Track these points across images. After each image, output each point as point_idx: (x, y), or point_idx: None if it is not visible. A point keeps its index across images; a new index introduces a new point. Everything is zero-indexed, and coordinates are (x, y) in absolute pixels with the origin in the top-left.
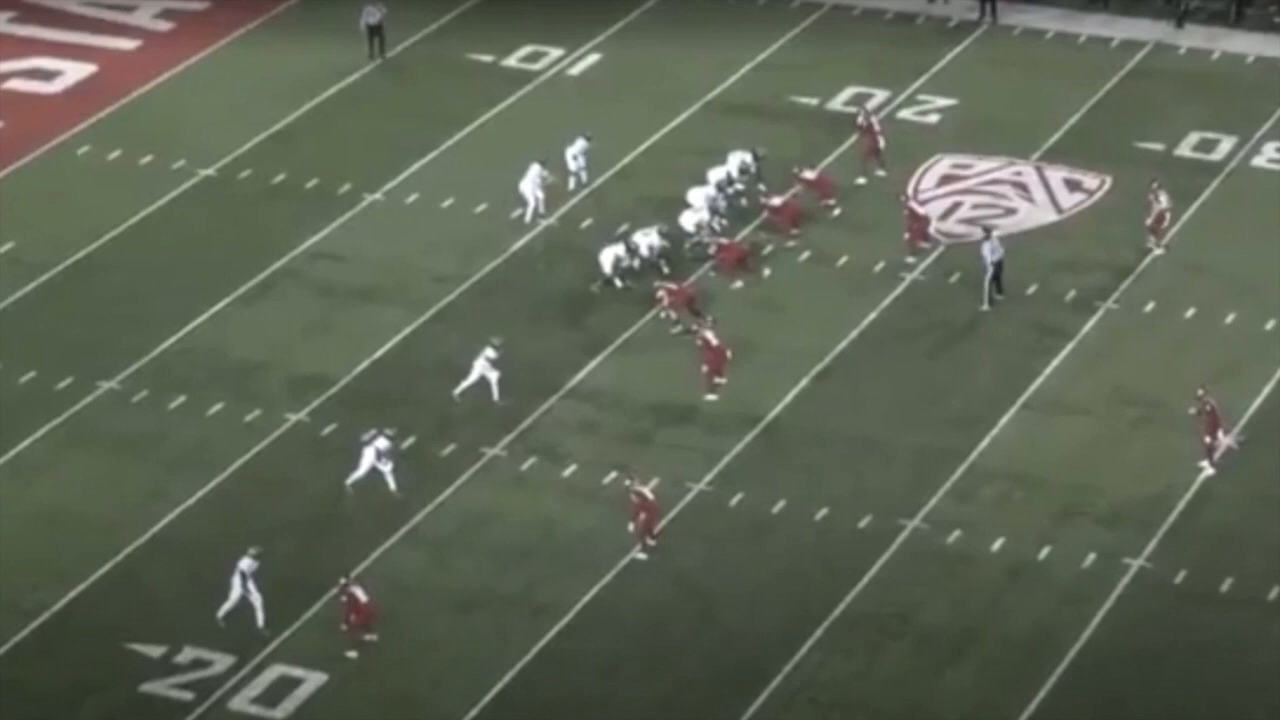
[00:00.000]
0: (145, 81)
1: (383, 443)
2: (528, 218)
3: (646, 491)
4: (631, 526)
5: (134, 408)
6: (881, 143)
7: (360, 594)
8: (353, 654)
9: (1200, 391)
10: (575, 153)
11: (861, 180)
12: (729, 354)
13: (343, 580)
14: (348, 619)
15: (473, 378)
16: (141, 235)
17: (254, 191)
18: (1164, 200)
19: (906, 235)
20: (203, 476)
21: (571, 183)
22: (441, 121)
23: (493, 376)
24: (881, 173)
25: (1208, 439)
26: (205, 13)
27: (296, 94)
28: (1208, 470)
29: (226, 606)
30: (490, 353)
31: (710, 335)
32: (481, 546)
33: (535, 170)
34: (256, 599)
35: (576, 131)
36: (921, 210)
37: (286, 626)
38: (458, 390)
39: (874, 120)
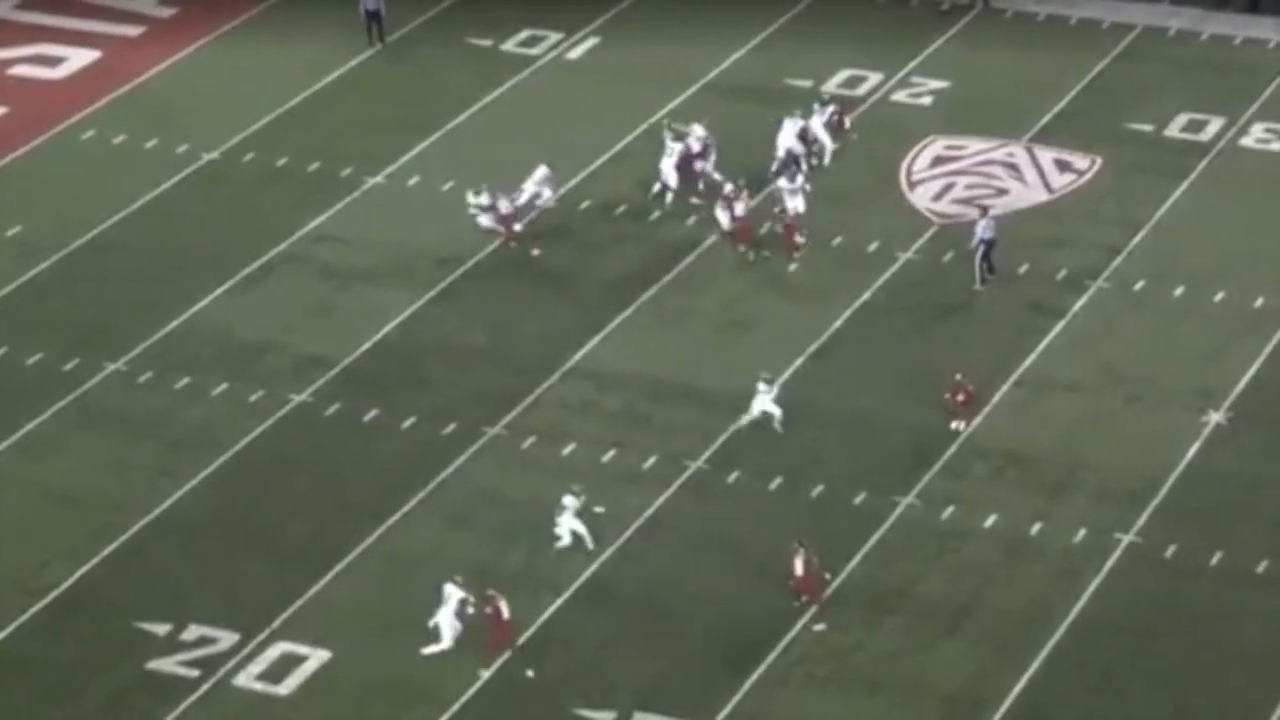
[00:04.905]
0: (149, 67)
1: (570, 499)
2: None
3: (503, 606)
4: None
5: (140, 388)
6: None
7: (504, 608)
8: (484, 673)
9: None
10: (538, 179)
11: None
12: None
13: (490, 592)
14: (491, 633)
15: (754, 412)
16: (146, 218)
17: (257, 175)
18: None
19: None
20: (208, 456)
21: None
22: (442, 105)
23: (775, 411)
24: (855, 135)
25: None
26: None
27: (298, 79)
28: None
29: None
30: (763, 386)
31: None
32: (482, 524)
33: (542, 171)
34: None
35: (553, 141)
36: (741, 211)
37: (290, 604)
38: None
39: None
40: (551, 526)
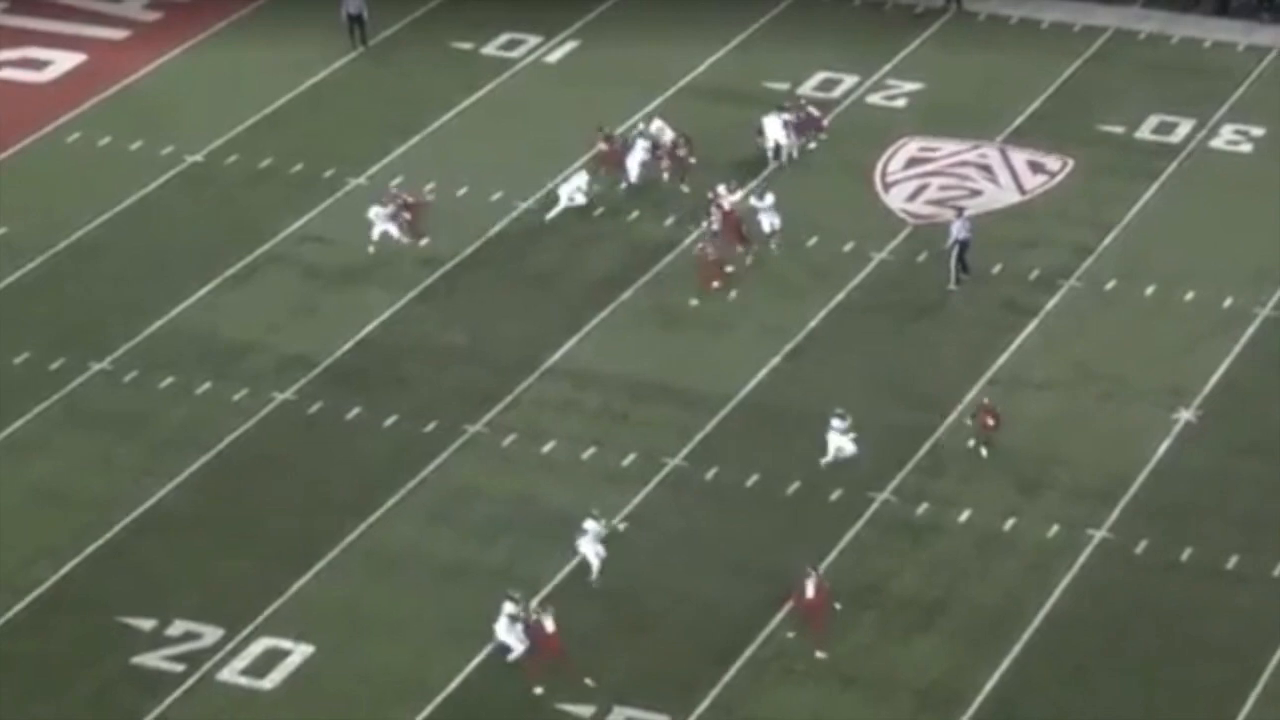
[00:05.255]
0: (134, 70)
1: (591, 524)
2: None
3: (547, 621)
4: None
5: (125, 388)
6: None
7: (548, 623)
8: (539, 690)
9: None
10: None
11: (812, 146)
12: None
13: (535, 607)
14: (536, 650)
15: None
16: (131, 220)
17: (240, 176)
18: None
19: (718, 229)
20: (192, 454)
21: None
22: (423, 107)
23: (850, 449)
24: (812, 145)
25: None
26: (192, 3)
27: (281, 82)
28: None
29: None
30: (837, 423)
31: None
32: (464, 521)
33: (583, 179)
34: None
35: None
36: (729, 206)
37: (274, 599)
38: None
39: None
40: (531, 523)
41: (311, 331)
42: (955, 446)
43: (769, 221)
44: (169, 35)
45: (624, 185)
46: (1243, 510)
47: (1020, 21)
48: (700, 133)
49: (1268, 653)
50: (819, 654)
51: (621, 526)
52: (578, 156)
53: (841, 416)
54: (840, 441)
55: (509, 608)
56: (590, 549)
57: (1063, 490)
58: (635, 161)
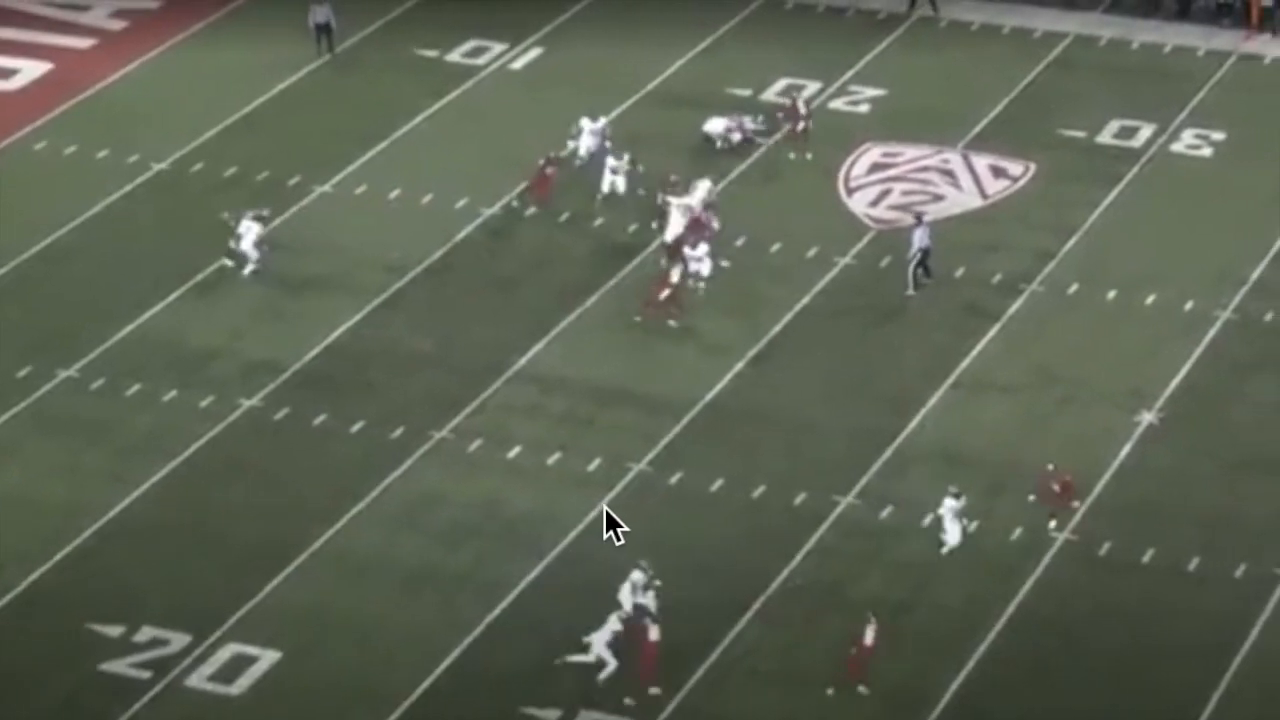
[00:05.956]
0: (100, 79)
1: (639, 575)
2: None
3: (652, 632)
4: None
5: (92, 395)
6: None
7: (653, 632)
8: (635, 701)
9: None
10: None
11: (792, 155)
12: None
13: (646, 619)
14: (641, 661)
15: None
16: (98, 228)
17: (207, 184)
18: None
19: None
20: (159, 461)
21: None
22: (388, 115)
23: (954, 537)
24: (809, 155)
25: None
26: (158, 11)
27: (247, 90)
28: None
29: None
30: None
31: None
32: (430, 526)
33: (612, 162)
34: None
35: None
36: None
37: (241, 605)
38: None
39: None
40: (497, 528)
41: (278, 338)
42: (918, 450)
43: (697, 267)
44: (135, 44)
45: (599, 197)
46: (1205, 512)
47: (982, 27)
48: (663, 138)
49: (1230, 653)
50: (861, 689)
51: (657, 583)
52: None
53: (956, 496)
54: (951, 520)
55: (612, 621)
56: (633, 600)
57: (1025, 493)
58: (606, 172)
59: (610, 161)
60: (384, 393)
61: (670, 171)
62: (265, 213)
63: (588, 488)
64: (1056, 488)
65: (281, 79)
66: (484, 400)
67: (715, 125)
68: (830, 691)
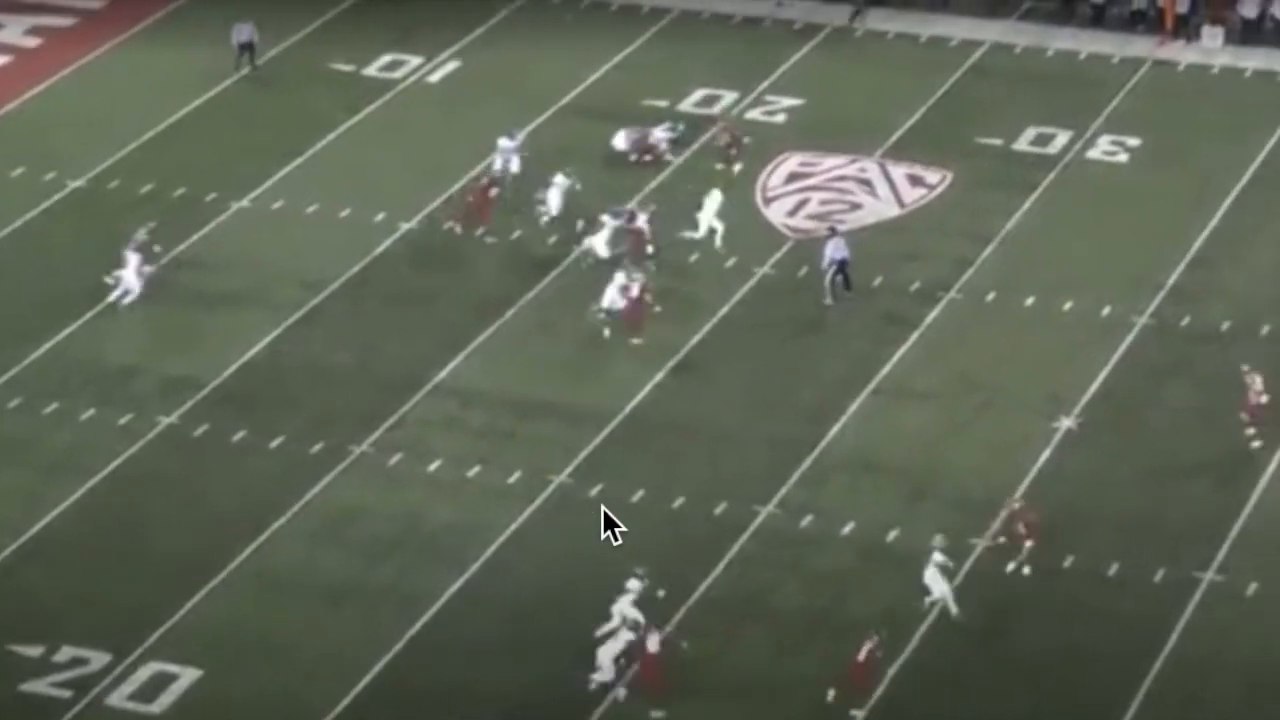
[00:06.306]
0: (15, 96)
1: (634, 583)
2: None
3: (651, 640)
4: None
5: (8, 414)
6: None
7: (652, 642)
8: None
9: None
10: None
11: (720, 166)
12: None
13: (661, 631)
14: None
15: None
16: (14, 246)
17: (123, 201)
18: (1259, 383)
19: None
20: (77, 480)
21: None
22: (305, 129)
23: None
24: (738, 167)
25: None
26: (73, 28)
27: (163, 105)
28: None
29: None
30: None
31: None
32: (350, 541)
33: (560, 181)
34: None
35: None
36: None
37: (162, 623)
38: None
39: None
40: (418, 541)
41: (196, 355)
42: (838, 458)
43: (610, 297)
44: (50, 61)
45: (545, 219)
46: (1124, 516)
47: (898, 36)
48: (579, 151)
49: (1150, 658)
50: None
51: (661, 593)
52: (459, 175)
53: (944, 551)
54: (938, 580)
55: (624, 634)
56: (626, 612)
57: (945, 500)
58: (553, 190)
59: (558, 179)
60: (303, 408)
61: (596, 183)
62: (146, 236)
63: (508, 500)
64: (1022, 528)
65: (197, 94)
66: (404, 414)
67: (620, 141)
68: (752, 699)
